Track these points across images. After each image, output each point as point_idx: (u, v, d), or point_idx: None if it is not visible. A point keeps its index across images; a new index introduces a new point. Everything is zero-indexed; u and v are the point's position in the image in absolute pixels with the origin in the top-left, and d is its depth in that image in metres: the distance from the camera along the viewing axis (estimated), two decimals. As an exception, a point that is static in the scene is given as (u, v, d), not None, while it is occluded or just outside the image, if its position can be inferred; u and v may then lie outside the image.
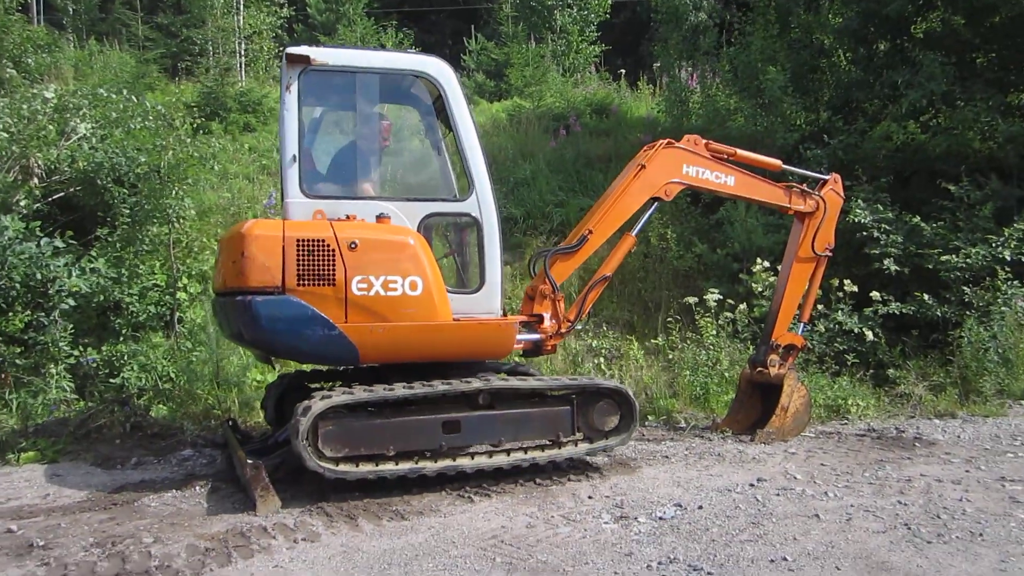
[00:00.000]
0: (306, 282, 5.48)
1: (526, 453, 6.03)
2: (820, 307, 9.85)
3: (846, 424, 8.10)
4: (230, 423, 7.16)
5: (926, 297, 10.02)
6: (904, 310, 10.04)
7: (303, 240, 5.49)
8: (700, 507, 5.29)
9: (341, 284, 5.53)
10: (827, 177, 7.96)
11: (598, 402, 6.29)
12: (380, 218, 5.91)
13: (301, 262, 5.46)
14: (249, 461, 5.58)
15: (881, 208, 10.80)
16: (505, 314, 6.44)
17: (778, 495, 5.55)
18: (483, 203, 6.18)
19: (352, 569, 4.27)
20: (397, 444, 5.66)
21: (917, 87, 11.81)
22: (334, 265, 5.52)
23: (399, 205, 6.08)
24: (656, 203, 7.10)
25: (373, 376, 6.25)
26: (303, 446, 5.31)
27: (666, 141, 7.12)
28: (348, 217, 5.83)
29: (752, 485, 5.79)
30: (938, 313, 9.95)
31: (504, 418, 6.04)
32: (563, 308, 6.71)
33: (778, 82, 12.42)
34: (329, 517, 5.14)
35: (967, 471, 6.14)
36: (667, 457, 6.72)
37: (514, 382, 6.14)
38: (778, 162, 7.70)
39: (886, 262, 10.29)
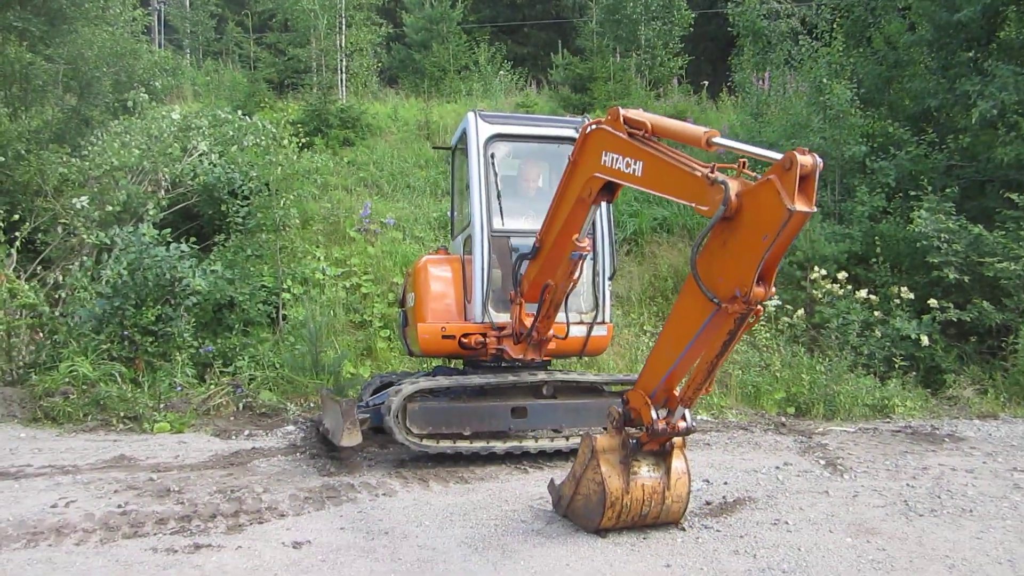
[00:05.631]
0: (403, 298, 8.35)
1: (570, 440, 6.93)
2: (877, 313, 10.34)
3: (888, 422, 8.62)
4: (328, 389, 8.34)
5: (985, 304, 10.35)
6: (963, 317, 10.38)
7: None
8: (725, 483, 6.03)
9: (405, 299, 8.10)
10: (775, 158, 4.04)
11: None
12: (439, 250, 8.13)
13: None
14: (344, 399, 6.65)
15: (943, 218, 11.13)
16: (492, 324, 7.06)
17: (798, 476, 6.24)
18: (473, 233, 7.15)
19: (421, 516, 5.20)
20: (472, 425, 6.67)
21: (988, 97, 12.05)
22: (407, 287, 8.02)
23: (463, 236, 7.70)
24: (593, 207, 5.69)
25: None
26: (395, 422, 6.32)
27: (595, 121, 5.44)
28: (438, 251, 8.25)
29: (777, 468, 6.48)
30: (996, 320, 10.27)
31: (565, 407, 6.95)
32: (523, 312, 6.71)
33: (845, 96, 12.84)
34: (405, 480, 6.13)
35: (983, 462, 6.66)
36: (708, 444, 7.45)
37: (574, 375, 7.07)
38: (700, 132, 4.49)
39: (946, 270, 10.65)
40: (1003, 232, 10.94)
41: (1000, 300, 10.46)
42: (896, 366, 9.75)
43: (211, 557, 4.45)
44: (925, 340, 10.05)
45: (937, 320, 10.33)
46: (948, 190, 11.85)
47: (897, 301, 10.41)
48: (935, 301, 10.42)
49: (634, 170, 4.95)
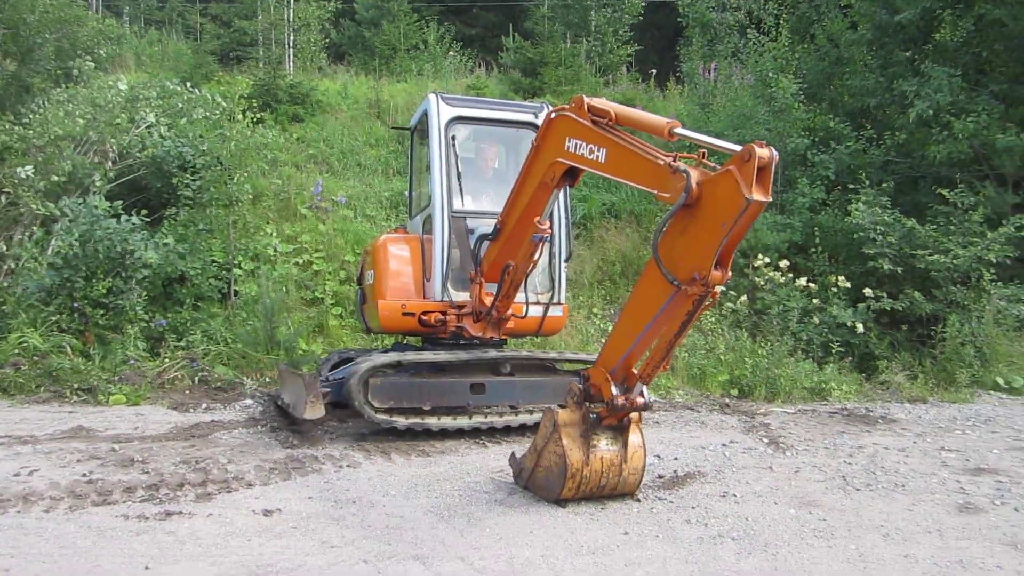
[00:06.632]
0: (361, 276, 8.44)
1: (532, 414, 7.12)
2: (815, 301, 10.80)
3: (825, 404, 9.05)
4: (286, 364, 8.41)
5: (916, 295, 10.89)
6: (895, 306, 10.90)
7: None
8: (676, 458, 6.32)
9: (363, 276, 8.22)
10: (734, 149, 4.24)
11: None
12: (397, 229, 8.37)
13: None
14: (306, 373, 6.74)
15: (879, 211, 11.64)
16: (451, 302, 7.27)
17: (744, 452, 6.57)
18: (433, 212, 7.33)
19: (387, 487, 5.36)
20: (432, 400, 6.84)
21: (924, 97, 12.60)
22: (365, 264, 8.17)
23: (421, 216, 7.86)
24: (555, 191, 5.87)
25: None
26: (359, 398, 6.41)
27: (558, 108, 5.64)
28: (396, 229, 8.46)
29: (724, 445, 6.81)
30: (926, 310, 10.82)
31: (522, 384, 7.15)
32: (482, 292, 6.91)
33: (790, 90, 13.26)
34: (367, 452, 6.27)
35: (914, 442, 7.09)
36: (657, 423, 7.75)
37: (529, 353, 7.25)
38: (663, 122, 4.70)
39: (881, 261, 11.16)
40: (934, 226, 11.48)
41: (930, 291, 11.00)
42: (833, 352, 10.20)
43: (183, 524, 4.54)
44: (860, 327, 10.53)
45: (871, 309, 10.82)
46: (884, 184, 12.37)
47: (834, 290, 10.89)
48: (870, 290, 10.92)
49: (597, 156, 5.13)
